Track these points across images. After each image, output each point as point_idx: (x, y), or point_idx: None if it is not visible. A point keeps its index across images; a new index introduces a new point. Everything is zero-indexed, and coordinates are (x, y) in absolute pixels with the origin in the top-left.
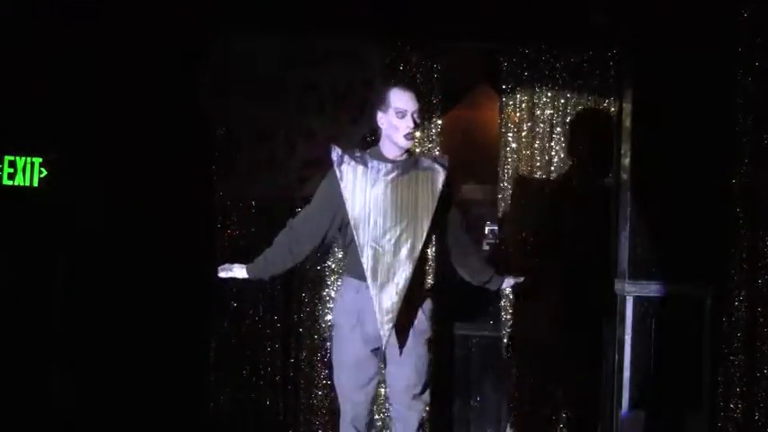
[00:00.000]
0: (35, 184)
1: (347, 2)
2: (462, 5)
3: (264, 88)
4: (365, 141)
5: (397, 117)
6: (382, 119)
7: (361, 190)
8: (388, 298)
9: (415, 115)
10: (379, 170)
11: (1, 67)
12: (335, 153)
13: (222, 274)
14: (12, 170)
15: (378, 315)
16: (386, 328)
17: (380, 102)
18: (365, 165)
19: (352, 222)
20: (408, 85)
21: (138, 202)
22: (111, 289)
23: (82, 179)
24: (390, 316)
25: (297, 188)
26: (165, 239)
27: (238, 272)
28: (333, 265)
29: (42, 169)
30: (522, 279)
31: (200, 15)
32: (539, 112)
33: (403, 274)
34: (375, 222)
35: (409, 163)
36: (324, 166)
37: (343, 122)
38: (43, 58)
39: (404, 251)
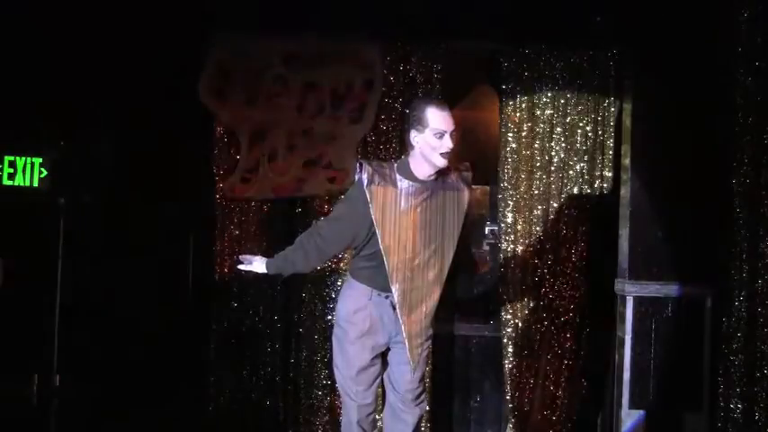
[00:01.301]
0: (35, 184)
1: (347, 2)
2: (462, 5)
3: (264, 88)
4: (365, 141)
5: (435, 137)
6: (417, 137)
7: (391, 212)
8: (417, 322)
9: (454, 134)
10: (408, 192)
11: (1, 68)
12: (366, 172)
13: (242, 267)
14: (12, 170)
15: (406, 340)
16: (416, 353)
17: (416, 121)
18: (395, 185)
19: (381, 248)
20: (441, 102)
21: (138, 202)
22: (111, 289)
23: (82, 179)
24: (419, 340)
25: (297, 188)
26: (164, 239)
27: (258, 266)
28: (333, 265)
29: (42, 169)
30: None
31: (200, 15)
32: (538, 112)
33: (431, 298)
34: (405, 247)
35: (437, 183)
36: (323, 166)
37: (343, 123)
38: (43, 58)
39: (432, 275)
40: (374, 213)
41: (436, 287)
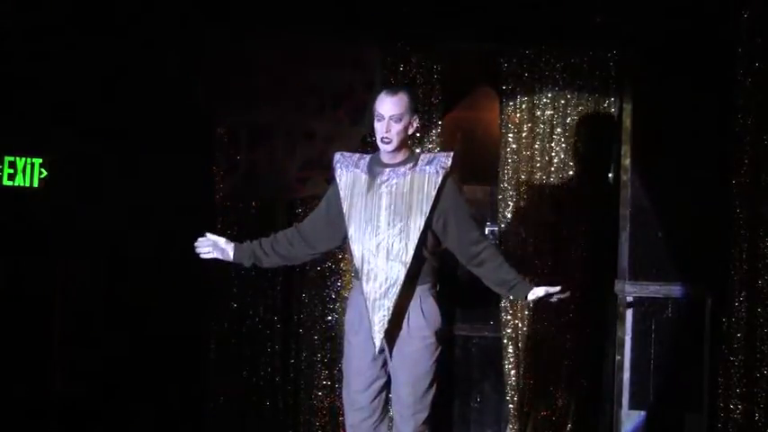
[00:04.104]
0: (35, 184)
1: (347, 2)
2: (462, 6)
3: (265, 88)
4: (365, 142)
5: (377, 121)
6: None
7: (357, 196)
8: (381, 306)
9: (393, 120)
10: (374, 176)
11: (1, 68)
12: (336, 159)
13: (202, 251)
14: (12, 170)
15: (369, 320)
16: (377, 335)
17: None
18: (362, 170)
19: (347, 229)
20: (395, 89)
21: (138, 202)
22: (111, 289)
23: (82, 179)
24: (383, 322)
25: (297, 188)
26: (164, 240)
27: (223, 252)
28: (333, 266)
29: (42, 169)
30: (557, 290)
31: (201, 15)
32: (539, 113)
33: (396, 281)
34: (368, 227)
35: (407, 167)
36: (323, 167)
37: (343, 123)
38: (43, 58)
39: (396, 258)
40: (342, 197)
41: (401, 268)
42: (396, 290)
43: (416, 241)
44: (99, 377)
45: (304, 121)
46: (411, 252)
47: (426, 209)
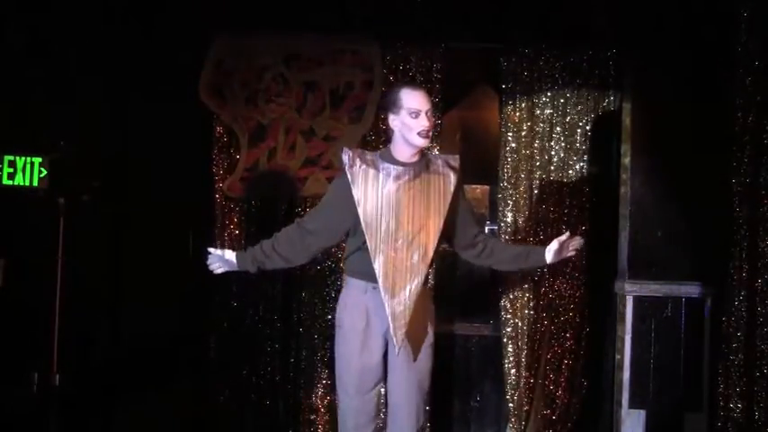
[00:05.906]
0: (35, 184)
1: (348, 2)
2: (462, 5)
3: (264, 88)
4: (365, 141)
5: (411, 117)
6: (395, 121)
7: (372, 193)
8: (400, 303)
9: (429, 113)
10: (389, 173)
11: (1, 67)
12: (346, 155)
13: (214, 267)
14: (11, 170)
15: (390, 321)
16: (399, 334)
17: (391, 104)
18: (376, 168)
19: (363, 226)
20: (418, 83)
21: (138, 203)
22: (111, 289)
23: (82, 179)
24: (403, 321)
25: (297, 187)
26: (164, 240)
27: (228, 263)
28: (333, 265)
29: (42, 169)
30: (566, 237)
31: (201, 15)
32: (538, 112)
33: (415, 279)
34: (387, 227)
35: (420, 166)
36: (323, 166)
37: (343, 122)
38: (43, 58)
39: (416, 256)
40: (356, 194)
41: (421, 268)
42: (416, 288)
43: (435, 242)
44: (99, 377)
45: (304, 121)
46: (431, 252)
47: (444, 210)
